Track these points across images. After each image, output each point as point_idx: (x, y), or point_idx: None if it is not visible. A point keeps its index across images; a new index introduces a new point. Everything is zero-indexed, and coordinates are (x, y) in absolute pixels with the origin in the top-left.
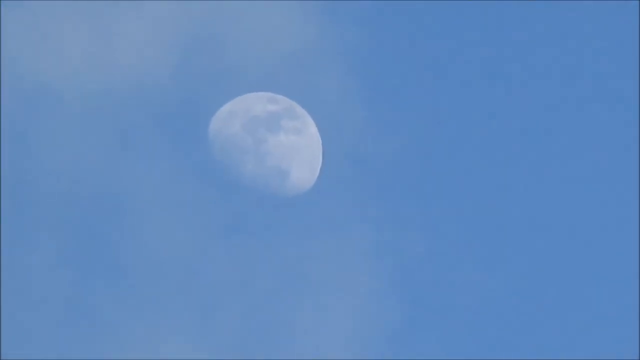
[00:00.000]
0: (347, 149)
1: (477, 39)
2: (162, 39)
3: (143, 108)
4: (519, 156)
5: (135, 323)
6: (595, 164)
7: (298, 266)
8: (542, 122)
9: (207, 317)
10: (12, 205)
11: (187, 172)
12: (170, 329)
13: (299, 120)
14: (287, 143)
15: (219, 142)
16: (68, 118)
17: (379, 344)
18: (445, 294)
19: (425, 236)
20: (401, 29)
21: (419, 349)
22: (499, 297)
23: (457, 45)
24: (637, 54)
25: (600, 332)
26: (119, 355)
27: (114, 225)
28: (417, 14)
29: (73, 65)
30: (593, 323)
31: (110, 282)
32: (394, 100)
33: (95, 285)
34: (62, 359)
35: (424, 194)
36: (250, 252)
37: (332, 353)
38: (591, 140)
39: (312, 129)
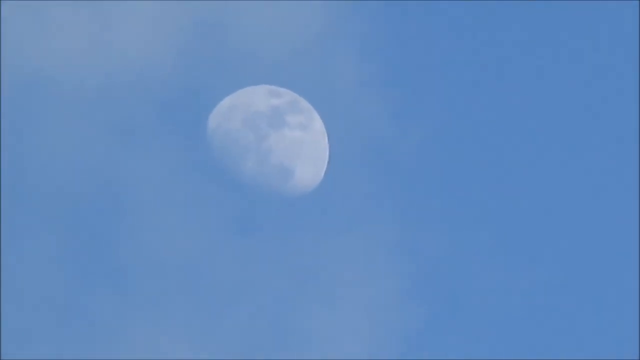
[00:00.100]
0: (355, 146)
1: (498, 26)
2: (164, 27)
3: (144, 99)
4: (550, 147)
5: (137, 324)
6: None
7: (305, 269)
8: (574, 115)
9: (212, 320)
10: (9, 201)
11: (187, 170)
12: (173, 330)
13: (303, 115)
14: (291, 139)
15: (218, 139)
16: (66, 109)
17: (397, 348)
18: (466, 296)
19: (444, 236)
20: (417, 15)
21: (439, 353)
22: (523, 298)
23: (477, 33)
24: (637, 54)
25: (601, 332)
26: (120, 356)
27: (114, 223)
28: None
29: (71, 55)
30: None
31: (111, 281)
32: (407, 94)
33: (95, 285)
34: (62, 359)
35: (442, 192)
36: (254, 254)
37: (348, 357)
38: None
39: (318, 124)
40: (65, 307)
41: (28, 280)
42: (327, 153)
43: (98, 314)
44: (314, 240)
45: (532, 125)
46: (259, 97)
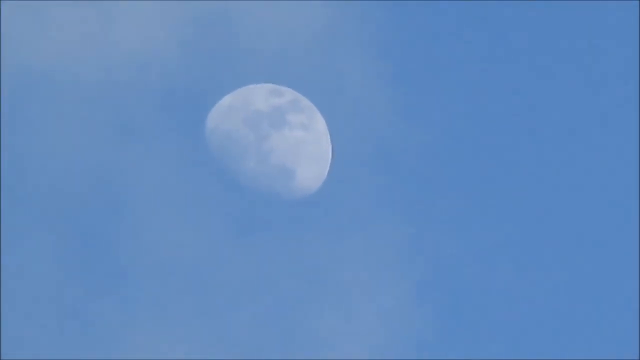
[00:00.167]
0: (358, 146)
1: (504, 25)
2: (166, 24)
3: (144, 97)
4: (561, 147)
5: (137, 324)
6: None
7: (307, 270)
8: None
9: (213, 322)
10: (8, 198)
11: (188, 170)
12: (173, 331)
13: (305, 114)
14: (293, 139)
15: (217, 139)
16: (65, 107)
17: (402, 351)
18: (475, 298)
19: (452, 238)
20: (421, 13)
21: (447, 355)
22: (533, 300)
23: (481, 31)
24: (637, 54)
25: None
26: (120, 357)
27: (113, 222)
28: None
29: (71, 51)
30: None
31: (110, 281)
32: (411, 93)
33: (95, 285)
34: (62, 359)
35: (448, 192)
36: (256, 256)
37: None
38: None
39: (320, 124)
40: (65, 307)
41: (28, 280)
42: (330, 153)
43: (98, 314)
44: (315, 241)
45: (541, 123)
46: (259, 95)
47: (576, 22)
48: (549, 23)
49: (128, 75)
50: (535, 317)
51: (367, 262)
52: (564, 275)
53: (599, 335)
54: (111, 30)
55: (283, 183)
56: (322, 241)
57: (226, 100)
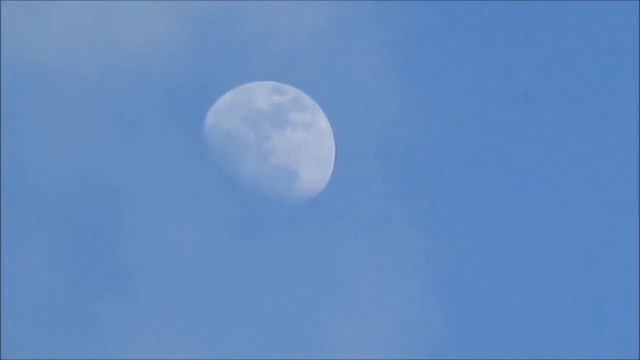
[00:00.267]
0: (363, 146)
1: (508, 24)
2: (166, 22)
3: (145, 95)
4: (574, 149)
5: (137, 324)
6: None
7: (309, 272)
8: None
9: (214, 323)
10: (8, 196)
11: (188, 170)
12: (173, 331)
13: (307, 113)
14: (294, 139)
15: (217, 138)
16: (64, 105)
17: (416, 354)
18: (485, 300)
19: (460, 240)
20: (427, 11)
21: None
22: (546, 300)
23: (486, 30)
24: (637, 54)
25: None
26: (120, 357)
27: (113, 222)
28: None
29: (71, 47)
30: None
31: (110, 281)
32: (417, 91)
33: (95, 285)
34: (62, 359)
35: (456, 193)
36: (259, 258)
37: None
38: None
39: (324, 123)
40: (65, 307)
41: (28, 280)
42: (333, 153)
43: (98, 314)
44: (319, 244)
45: (545, 123)
46: (260, 93)
47: (578, 22)
48: (550, 23)
49: (128, 73)
50: (546, 318)
51: (373, 265)
52: (576, 276)
53: (605, 335)
54: (111, 27)
55: (285, 184)
56: (326, 244)
57: (226, 98)
